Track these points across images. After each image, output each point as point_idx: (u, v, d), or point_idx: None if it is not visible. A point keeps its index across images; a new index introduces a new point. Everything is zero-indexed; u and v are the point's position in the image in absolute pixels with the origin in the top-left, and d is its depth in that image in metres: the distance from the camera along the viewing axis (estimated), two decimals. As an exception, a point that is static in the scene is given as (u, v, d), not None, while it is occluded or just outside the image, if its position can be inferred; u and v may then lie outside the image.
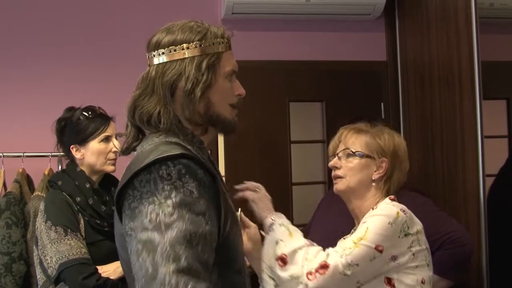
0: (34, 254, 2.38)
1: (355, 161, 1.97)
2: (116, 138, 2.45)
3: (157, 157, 1.42)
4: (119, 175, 1.77)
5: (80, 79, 3.22)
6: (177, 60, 1.55)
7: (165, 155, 1.42)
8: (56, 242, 2.24)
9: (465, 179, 2.74)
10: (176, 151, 1.44)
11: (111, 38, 3.29)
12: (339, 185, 2.02)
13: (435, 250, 2.37)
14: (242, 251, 1.63)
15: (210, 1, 3.38)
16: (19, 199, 2.85)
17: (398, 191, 2.49)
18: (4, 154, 2.97)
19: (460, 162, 2.77)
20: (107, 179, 2.49)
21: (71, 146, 2.42)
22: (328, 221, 2.60)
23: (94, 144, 2.41)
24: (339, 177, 2.01)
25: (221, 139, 3.20)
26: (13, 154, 2.97)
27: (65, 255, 2.22)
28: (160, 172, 1.41)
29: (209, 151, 1.69)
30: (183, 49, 1.55)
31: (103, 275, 2.27)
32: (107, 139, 2.43)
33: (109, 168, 2.44)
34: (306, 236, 2.68)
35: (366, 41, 3.48)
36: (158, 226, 1.36)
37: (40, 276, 2.34)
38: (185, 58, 1.55)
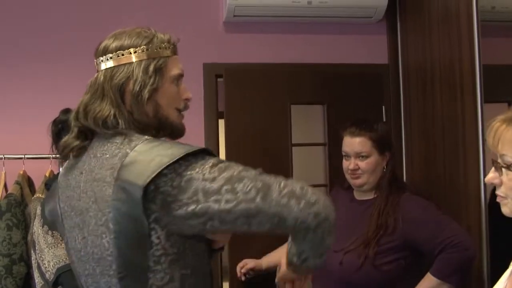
0: (32, 258, 2.37)
1: (509, 175, 1.42)
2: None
3: (193, 149, 1.47)
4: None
5: (81, 80, 3.20)
6: (125, 64, 1.59)
7: (198, 148, 1.48)
8: (53, 247, 2.23)
9: (466, 182, 2.72)
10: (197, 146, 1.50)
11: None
12: (502, 208, 1.48)
13: (437, 254, 2.36)
14: None
15: (211, 4, 3.37)
16: (20, 201, 2.84)
17: (401, 195, 2.49)
18: (5, 156, 2.96)
19: (462, 165, 2.76)
20: None
21: None
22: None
23: None
24: (501, 196, 1.47)
25: (222, 140, 3.19)
26: (14, 156, 2.97)
27: (62, 259, 2.20)
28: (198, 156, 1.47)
29: None
30: (130, 53, 1.59)
31: None
32: None
33: None
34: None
35: (368, 44, 3.47)
36: (246, 169, 1.52)
37: (38, 280, 2.33)
38: (133, 62, 1.58)
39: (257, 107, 3.18)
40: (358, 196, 2.59)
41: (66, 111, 2.44)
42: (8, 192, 2.90)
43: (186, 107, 1.69)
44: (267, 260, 2.76)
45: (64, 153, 1.63)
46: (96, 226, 1.50)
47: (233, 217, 1.43)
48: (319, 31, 3.42)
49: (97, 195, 1.50)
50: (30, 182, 2.99)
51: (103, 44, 1.63)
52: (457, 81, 2.82)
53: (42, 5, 3.26)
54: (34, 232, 2.33)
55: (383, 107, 3.37)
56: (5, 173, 2.98)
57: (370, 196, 2.54)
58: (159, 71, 1.60)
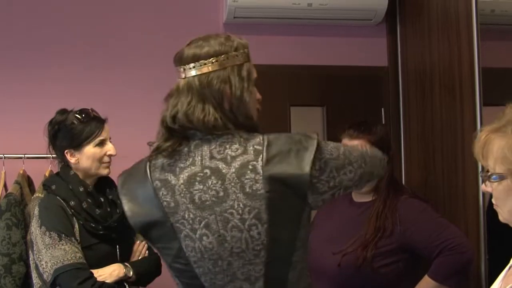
0: (30, 258, 2.38)
1: (495, 187, 1.42)
2: (110, 141, 2.44)
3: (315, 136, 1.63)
4: (114, 177, 1.78)
5: (80, 80, 3.22)
6: (219, 69, 1.63)
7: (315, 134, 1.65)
8: (50, 247, 2.23)
9: (465, 185, 2.73)
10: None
11: (111, 41, 3.29)
12: (499, 216, 1.49)
13: (435, 256, 2.37)
14: None
15: (212, 5, 3.38)
16: (19, 200, 2.85)
17: (399, 198, 2.50)
18: (5, 155, 2.97)
19: (461, 168, 2.76)
20: (102, 181, 2.47)
21: (65, 151, 2.40)
22: (329, 226, 2.60)
23: (89, 149, 2.39)
24: (494, 204, 1.48)
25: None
26: (14, 156, 2.97)
27: (60, 260, 2.21)
28: None
29: None
30: (224, 59, 1.63)
31: (99, 279, 2.26)
32: (101, 143, 2.41)
33: (104, 171, 2.43)
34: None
35: (368, 46, 3.48)
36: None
37: (36, 281, 2.34)
38: (226, 67, 1.63)
39: (257, 108, 3.18)
40: (356, 198, 2.59)
41: (63, 112, 2.44)
42: (8, 191, 2.91)
43: (259, 108, 1.75)
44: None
45: (154, 153, 1.66)
46: (242, 221, 1.55)
47: (351, 183, 1.66)
48: (319, 33, 3.42)
49: (240, 192, 1.55)
50: (29, 181, 3.00)
51: (190, 52, 1.66)
52: (456, 84, 2.83)
53: (42, 8, 3.26)
54: (32, 232, 2.34)
55: (383, 109, 3.38)
56: (5, 173, 2.99)
57: (368, 198, 2.54)
58: (250, 75, 1.67)
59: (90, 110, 2.44)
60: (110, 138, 2.44)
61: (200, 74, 1.63)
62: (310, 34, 3.42)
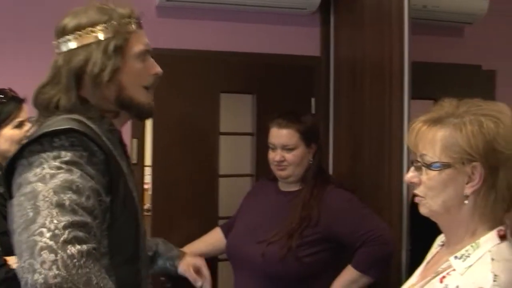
0: None
1: (433, 176, 1.44)
2: (29, 122, 2.36)
3: (50, 130, 1.41)
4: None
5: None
6: (84, 45, 1.53)
7: (57, 128, 1.41)
8: None
9: (390, 177, 2.79)
10: (68, 125, 1.43)
11: (34, 21, 3.15)
12: (420, 208, 1.50)
13: (358, 247, 2.42)
14: (137, 239, 1.59)
15: (144, -13, 3.31)
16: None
17: (326, 188, 2.53)
18: None
19: (387, 161, 2.82)
20: None
21: None
22: (254, 215, 2.61)
23: (8, 131, 2.32)
24: (419, 196, 1.50)
25: (149, 127, 3.15)
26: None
27: None
28: (52, 144, 1.40)
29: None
30: (89, 33, 1.53)
31: (13, 266, 2.20)
32: (20, 125, 2.34)
33: None
34: (230, 229, 2.70)
35: (300, 35, 3.49)
36: (42, 177, 1.34)
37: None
38: (92, 42, 1.53)
39: (186, 95, 3.15)
40: (283, 187, 2.61)
41: None
42: None
43: (154, 83, 1.65)
44: (190, 250, 2.75)
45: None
46: None
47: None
48: (252, 20, 3.41)
49: None
50: None
51: (62, 24, 1.57)
52: (386, 77, 2.88)
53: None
54: None
55: (313, 99, 3.41)
56: None
57: (295, 188, 2.57)
58: (120, 49, 1.55)
59: (8, 90, 2.35)
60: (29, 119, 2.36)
61: (67, 51, 1.55)
62: (243, 20, 3.40)
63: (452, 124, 1.41)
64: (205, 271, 2.50)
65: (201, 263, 2.51)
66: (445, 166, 1.41)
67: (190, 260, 2.48)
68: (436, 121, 1.44)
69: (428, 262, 1.62)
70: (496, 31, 3.88)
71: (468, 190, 1.41)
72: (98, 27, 1.54)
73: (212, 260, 2.99)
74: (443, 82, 3.53)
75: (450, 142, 1.41)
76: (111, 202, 1.47)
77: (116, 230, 1.48)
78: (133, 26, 1.60)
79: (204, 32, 3.33)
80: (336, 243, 2.46)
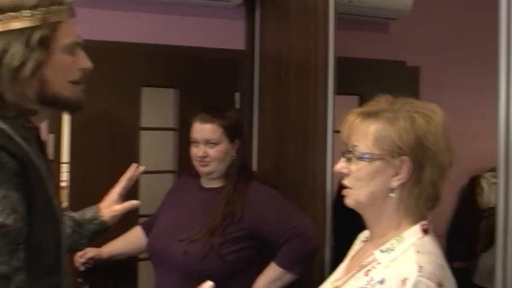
0: None
1: (362, 167, 1.51)
2: None
3: None
4: None
5: None
6: (3, 32, 1.38)
7: None
8: None
9: (315, 173, 2.84)
10: None
11: None
12: (346, 199, 1.56)
13: (282, 243, 2.45)
14: (57, 248, 1.51)
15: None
16: None
17: (250, 184, 2.55)
18: None
19: (311, 156, 2.87)
20: None
21: None
22: (176, 212, 2.61)
23: None
24: (347, 186, 1.56)
25: (66, 123, 3.09)
26: None
27: None
28: None
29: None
30: (10, 18, 1.37)
31: None
32: None
33: None
34: (151, 227, 2.69)
35: (225, 28, 3.50)
36: None
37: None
38: (14, 30, 1.38)
39: (106, 88, 3.10)
40: (206, 184, 2.62)
41: None
42: None
43: (83, 78, 1.54)
44: (108, 250, 2.73)
45: None
46: None
47: None
48: (175, 12, 3.40)
49: None
50: None
51: None
52: (311, 72, 2.93)
53: None
54: None
55: (237, 94, 3.43)
56: None
57: (218, 184, 2.58)
58: (46, 41, 1.41)
59: None
60: None
61: None
62: (166, 12, 3.38)
63: (386, 118, 1.49)
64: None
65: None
66: (375, 158, 1.49)
67: (107, 205, 2.32)
68: (371, 115, 1.51)
69: (352, 257, 1.67)
70: (420, 27, 4.01)
71: (395, 183, 1.49)
72: (23, 13, 1.38)
73: (132, 260, 2.97)
74: (368, 77, 3.62)
75: (382, 135, 1.48)
76: (28, 214, 1.38)
77: (34, 242, 1.40)
78: (64, 14, 1.46)
79: (125, 24, 3.30)
80: (260, 240, 2.48)
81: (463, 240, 4.29)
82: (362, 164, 1.50)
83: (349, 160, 1.53)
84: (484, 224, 3.91)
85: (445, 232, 4.33)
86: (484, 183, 4.25)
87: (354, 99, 3.40)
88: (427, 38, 4.05)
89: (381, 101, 1.55)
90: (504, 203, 1.92)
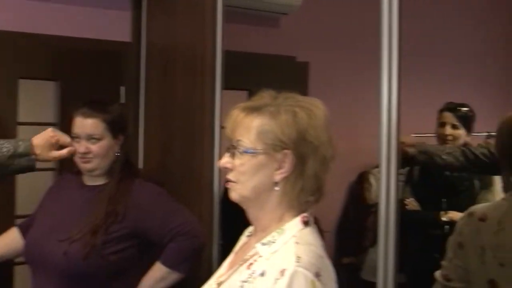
0: None
1: (246, 161, 1.57)
2: None
3: None
4: None
5: None
6: None
7: None
8: None
9: (202, 170, 2.89)
10: None
11: None
12: (231, 193, 1.62)
13: (167, 242, 2.48)
14: None
15: None
16: None
17: (134, 181, 2.56)
18: None
19: (198, 153, 2.91)
20: None
21: None
22: (57, 211, 2.58)
23: None
24: (231, 181, 1.62)
25: None
26: None
27: None
28: None
29: None
30: None
31: None
32: None
33: None
34: (29, 228, 2.63)
35: (110, 19, 3.47)
36: None
37: None
38: None
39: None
40: (88, 181, 2.60)
41: None
42: None
43: None
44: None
45: None
46: None
47: None
48: (56, 0, 3.33)
49: None
50: None
51: None
52: (198, 66, 2.96)
53: None
54: None
55: (123, 88, 3.42)
56: None
57: (101, 181, 2.57)
58: None
59: None
60: None
61: None
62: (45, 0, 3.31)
63: (269, 113, 1.56)
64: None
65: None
66: (258, 152, 1.55)
67: (43, 145, 2.43)
68: (254, 109, 1.57)
69: (237, 252, 1.74)
70: (311, 23, 4.14)
71: (278, 176, 1.56)
72: None
73: (7, 264, 2.90)
74: (257, 72, 3.70)
75: (265, 129, 1.55)
76: None
77: None
78: None
79: (0, 11, 3.21)
80: (144, 239, 2.50)
81: (351, 235, 4.49)
82: (245, 158, 1.57)
83: (233, 155, 1.59)
84: (371, 219, 4.07)
85: (334, 228, 4.51)
86: (372, 179, 4.45)
87: (243, 94, 3.47)
88: (317, 34, 4.19)
89: (264, 96, 1.61)
90: (385, 199, 2.04)
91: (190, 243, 2.49)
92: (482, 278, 2.15)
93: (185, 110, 3.04)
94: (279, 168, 1.55)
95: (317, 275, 1.46)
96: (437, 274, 2.24)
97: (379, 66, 2.04)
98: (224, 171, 1.65)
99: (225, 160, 1.61)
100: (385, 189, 2.04)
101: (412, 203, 3.64)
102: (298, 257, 1.46)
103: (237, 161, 1.58)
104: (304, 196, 1.58)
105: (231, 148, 1.60)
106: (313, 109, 1.58)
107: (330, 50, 4.25)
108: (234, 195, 1.61)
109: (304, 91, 3.94)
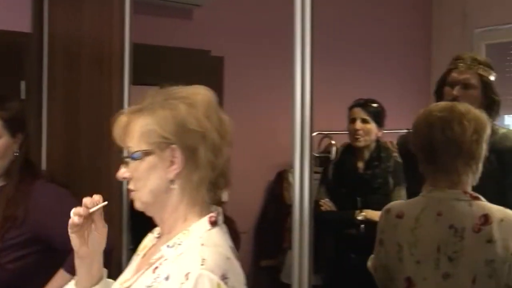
0: None
1: (137, 166, 1.57)
2: None
3: None
4: None
5: None
6: None
7: None
8: None
9: (110, 171, 2.83)
10: None
11: None
12: (135, 203, 1.62)
13: (71, 248, 2.43)
14: None
15: None
16: None
17: (35, 182, 2.50)
18: None
19: (106, 153, 2.86)
20: None
21: None
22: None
23: None
24: (132, 190, 1.62)
25: None
26: None
27: None
28: None
29: None
30: None
31: None
32: None
33: None
34: None
35: (8, 7, 3.39)
36: None
37: None
38: None
39: None
40: (-16, 183, 2.53)
41: None
42: None
43: None
44: None
45: None
46: None
47: None
48: None
49: None
50: None
51: None
52: (105, 59, 2.92)
53: None
54: None
55: (23, 82, 3.34)
56: None
57: (-2, 183, 2.50)
58: None
59: None
60: None
61: None
62: None
63: (146, 112, 1.55)
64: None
65: None
66: (146, 154, 1.55)
67: None
68: (136, 112, 1.57)
69: (144, 255, 1.72)
70: (225, 15, 4.15)
71: (171, 174, 1.55)
72: None
73: None
74: (169, 67, 3.69)
75: (146, 129, 1.54)
76: None
77: None
78: None
79: None
80: (46, 245, 2.44)
81: (270, 237, 4.52)
82: (136, 163, 1.57)
83: (127, 163, 1.60)
84: (290, 220, 4.12)
85: (253, 229, 4.53)
86: (291, 178, 4.47)
87: (154, 90, 3.44)
88: (232, 27, 4.20)
89: (147, 96, 1.60)
90: (299, 198, 2.07)
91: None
92: (400, 276, 2.23)
93: (92, 107, 3.00)
94: (171, 165, 1.55)
95: (224, 277, 1.46)
96: (369, 263, 2.39)
97: (293, 63, 2.05)
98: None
99: (122, 171, 1.61)
100: (299, 188, 2.05)
101: (326, 204, 3.69)
102: (203, 260, 1.46)
103: (131, 169, 1.59)
104: (204, 188, 1.58)
105: (125, 157, 1.60)
106: (193, 97, 1.57)
107: (246, 44, 4.27)
108: (137, 204, 1.61)
109: (219, 87, 3.94)
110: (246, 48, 4.26)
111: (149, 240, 1.76)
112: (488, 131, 2.24)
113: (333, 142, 4.36)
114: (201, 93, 1.59)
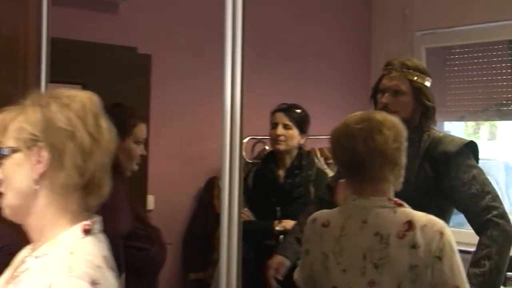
0: None
1: (5, 165, 1.56)
2: None
3: None
4: None
5: None
6: None
7: None
8: None
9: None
10: None
11: None
12: (5, 211, 1.60)
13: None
14: None
15: None
16: None
17: None
18: None
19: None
20: None
21: None
22: None
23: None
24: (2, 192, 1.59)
25: None
26: None
27: None
28: None
29: None
30: None
31: None
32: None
33: None
34: None
35: None
36: None
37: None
38: None
39: None
40: None
41: None
42: None
43: None
44: None
45: None
46: None
47: None
48: None
49: None
50: None
51: None
52: (20, 56, 2.84)
53: None
54: None
55: None
56: None
57: None
58: None
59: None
60: None
61: None
62: None
63: (20, 109, 1.58)
64: None
65: None
66: (12, 150, 1.54)
67: None
68: (13, 110, 1.61)
69: (16, 267, 1.66)
70: (153, 10, 4.09)
71: (34, 173, 1.53)
72: None
73: None
74: (92, 64, 3.60)
75: (16, 126, 1.55)
76: None
77: None
78: None
79: None
80: None
81: (199, 248, 4.45)
82: (6, 162, 1.56)
83: (1, 164, 1.57)
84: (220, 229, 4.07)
85: (181, 240, 4.46)
86: (221, 185, 4.45)
87: (76, 88, 3.36)
88: (161, 23, 4.14)
89: (29, 96, 1.63)
90: (228, 206, 2.02)
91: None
92: (326, 285, 2.24)
93: (5, 107, 2.89)
94: (37, 164, 1.53)
95: (94, 283, 1.42)
96: (295, 276, 2.45)
97: (223, 64, 2.01)
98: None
99: None
100: (228, 195, 2.00)
101: (246, 213, 3.66)
102: (70, 267, 1.43)
103: (3, 169, 1.57)
104: (73, 194, 1.56)
105: None
106: (69, 98, 1.57)
107: (176, 42, 4.21)
108: (6, 211, 1.58)
109: (146, 86, 3.87)
110: (176, 46, 4.20)
111: (25, 250, 1.70)
112: (405, 135, 2.31)
113: (266, 147, 4.33)
114: (81, 96, 1.59)
